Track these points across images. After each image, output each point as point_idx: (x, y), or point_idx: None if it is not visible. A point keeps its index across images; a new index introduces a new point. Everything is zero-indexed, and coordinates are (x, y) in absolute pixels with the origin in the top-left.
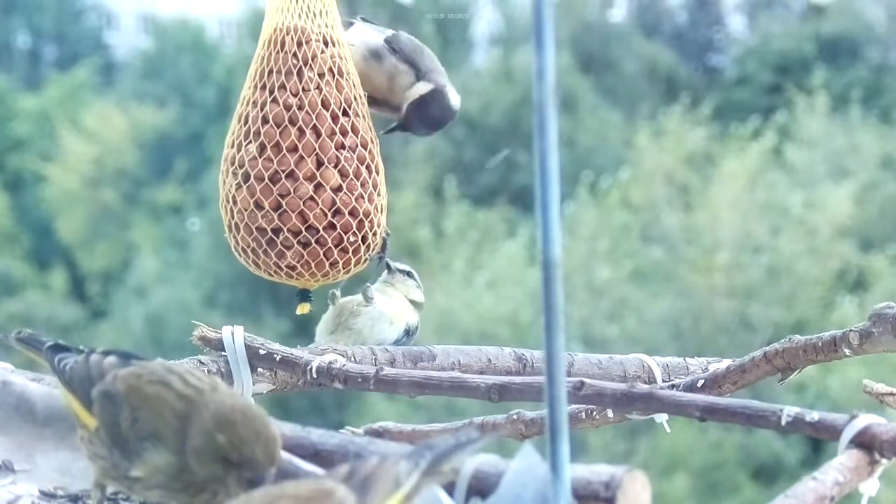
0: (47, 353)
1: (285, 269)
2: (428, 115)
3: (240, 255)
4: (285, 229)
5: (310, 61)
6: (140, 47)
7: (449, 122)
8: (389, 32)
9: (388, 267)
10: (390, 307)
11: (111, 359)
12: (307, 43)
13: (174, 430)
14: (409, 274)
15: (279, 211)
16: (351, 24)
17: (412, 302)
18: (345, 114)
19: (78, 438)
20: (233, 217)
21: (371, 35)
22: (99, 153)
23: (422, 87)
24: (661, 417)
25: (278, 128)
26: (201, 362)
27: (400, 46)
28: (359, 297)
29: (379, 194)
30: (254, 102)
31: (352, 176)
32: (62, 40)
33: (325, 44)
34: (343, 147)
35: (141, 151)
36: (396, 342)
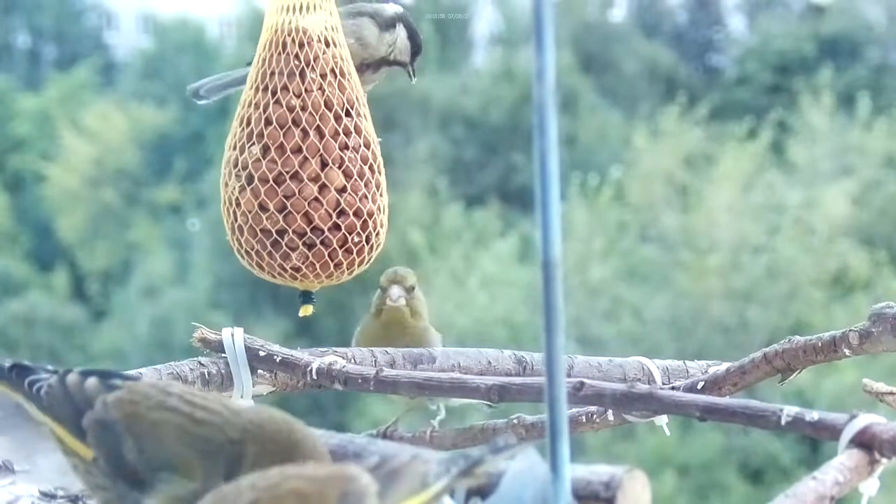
0: (13, 377)
1: (290, 270)
2: (415, 46)
3: (243, 257)
4: (290, 231)
5: (312, 62)
6: (140, 47)
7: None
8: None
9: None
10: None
11: (92, 381)
12: (308, 44)
13: (193, 457)
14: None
15: (284, 212)
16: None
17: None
18: (347, 114)
19: (70, 467)
20: (236, 220)
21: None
22: (99, 153)
23: (401, 33)
24: (662, 420)
25: (282, 129)
26: (201, 364)
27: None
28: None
29: (381, 194)
30: (255, 104)
31: (356, 176)
32: (62, 40)
33: (327, 45)
34: (347, 147)
35: (141, 151)
36: None
